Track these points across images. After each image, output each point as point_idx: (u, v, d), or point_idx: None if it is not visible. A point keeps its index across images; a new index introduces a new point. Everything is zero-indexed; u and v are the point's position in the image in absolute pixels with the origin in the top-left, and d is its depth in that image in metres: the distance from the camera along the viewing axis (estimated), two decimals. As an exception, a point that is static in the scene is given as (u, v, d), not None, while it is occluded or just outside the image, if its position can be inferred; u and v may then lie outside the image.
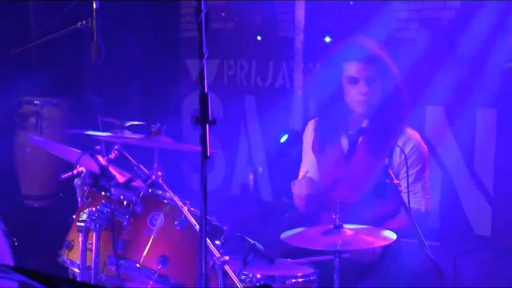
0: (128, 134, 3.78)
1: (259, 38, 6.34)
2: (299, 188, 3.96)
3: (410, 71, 4.39)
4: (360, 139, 4.04)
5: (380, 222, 3.87)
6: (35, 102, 6.57)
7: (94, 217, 3.39)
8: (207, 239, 2.65)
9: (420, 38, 5.39)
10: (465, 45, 5.12)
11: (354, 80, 3.95)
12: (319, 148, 4.16)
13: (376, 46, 4.03)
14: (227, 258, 3.28)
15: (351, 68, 3.95)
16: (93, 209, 3.43)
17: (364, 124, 4.03)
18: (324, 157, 4.14)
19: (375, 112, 3.99)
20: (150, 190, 3.52)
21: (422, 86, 5.07)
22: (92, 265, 3.37)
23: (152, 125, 3.62)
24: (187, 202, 3.46)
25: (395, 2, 5.52)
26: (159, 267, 3.39)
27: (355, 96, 3.96)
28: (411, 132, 4.02)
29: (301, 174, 4.20)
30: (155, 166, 3.59)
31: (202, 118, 2.41)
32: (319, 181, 4.13)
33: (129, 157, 3.66)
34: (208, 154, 2.37)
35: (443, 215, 5.16)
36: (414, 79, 4.23)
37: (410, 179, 3.74)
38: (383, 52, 4.02)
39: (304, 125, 4.35)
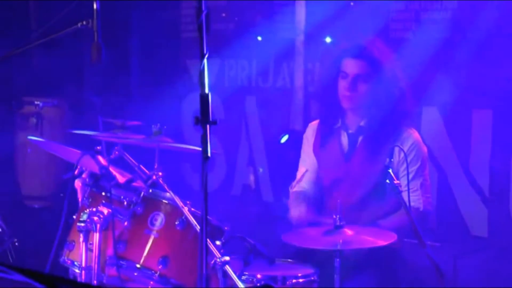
0: (128, 134, 3.78)
1: (259, 38, 6.34)
2: (297, 212, 4.01)
3: (406, 71, 4.38)
4: (360, 138, 4.05)
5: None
6: (36, 102, 6.58)
7: (94, 218, 3.39)
8: (208, 240, 2.65)
9: (417, 38, 5.38)
10: (462, 46, 5.11)
11: (344, 75, 3.99)
12: (320, 148, 4.16)
13: (379, 48, 4.04)
14: (227, 258, 3.28)
15: (345, 64, 4.00)
16: (94, 209, 3.43)
17: (363, 123, 4.05)
18: (324, 157, 4.14)
19: (373, 110, 4.01)
20: (150, 191, 3.52)
21: (418, 86, 5.05)
22: (93, 265, 3.37)
23: (152, 126, 3.63)
24: (188, 202, 3.46)
25: (392, 2, 5.51)
26: (159, 267, 3.39)
27: (341, 90, 4.01)
28: (410, 131, 4.03)
29: (299, 174, 4.21)
30: (155, 166, 3.59)
31: (203, 118, 2.41)
32: (318, 188, 4.14)
33: (129, 157, 3.66)
34: (209, 155, 2.37)
35: (440, 216, 5.16)
36: (410, 79, 4.22)
37: (409, 177, 3.74)
38: (384, 55, 4.02)
39: (305, 125, 4.35)
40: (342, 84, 4.00)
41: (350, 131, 4.08)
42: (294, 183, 4.21)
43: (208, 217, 2.47)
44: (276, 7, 6.29)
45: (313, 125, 4.26)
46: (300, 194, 4.14)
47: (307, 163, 4.21)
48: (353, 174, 4.00)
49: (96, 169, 3.58)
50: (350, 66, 3.98)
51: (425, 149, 4.05)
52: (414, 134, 4.04)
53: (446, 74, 5.17)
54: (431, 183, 4.17)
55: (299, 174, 4.21)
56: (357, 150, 4.04)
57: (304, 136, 4.28)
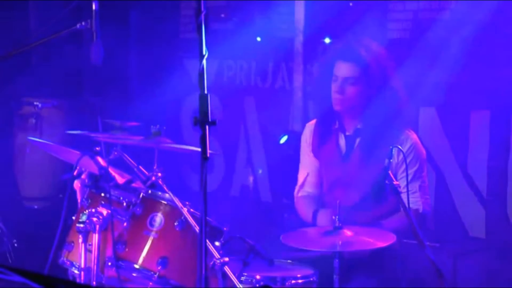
0: (127, 135, 3.78)
1: (258, 39, 6.34)
2: (299, 209, 4.09)
3: (404, 71, 4.39)
4: (358, 140, 4.04)
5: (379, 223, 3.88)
6: (35, 103, 6.58)
7: (93, 219, 3.38)
8: (207, 240, 2.65)
9: (414, 38, 5.38)
10: (459, 46, 5.11)
11: (335, 78, 4.00)
12: (318, 150, 4.16)
13: (369, 49, 4.01)
14: (226, 259, 3.28)
15: (336, 66, 4.00)
16: (93, 210, 3.42)
17: (360, 126, 4.04)
18: (322, 159, 4.14)
19: (369, 113, 4.01)
20: (149, 191, 3.52)
21: (416, 87, 5.06)
22: (92, 266, 3.37)
23: (151, 126, 3.63)
24: (187, 203, 3.46)
25: (391, 3, 5.52)
26: (158, 268, 3.38)
27: (332, 93, 4.01)
28: (408, 133, 4.03)
29: (301, 177, 4.20)
30: (154, 167, 3.59)
31: (202, 119, 2.41)
32: (319, 185, 4.15)
33: (128, 158, 3.66)
34: (208, 155, 2.37)
35: (438, 217, 5.16)
36: (407, 80, 4.23)
37: (408, 178, 3.74)
38: (375, 56, 4.00)
39: (304, 126, 4.35)
40: (333, 87, 4.01)
41: (347, 133, 4.08)
42: (297, 188, 4.21)
43: (207, 217, 2.46)
44: (275, 8, 6.29)
45: (310, 125, 4.25)
46: (306, 198, 4.15)
47: (307, 166, 4.20)
48: (351, 175, 4.00)
49: (95, 170, 3.57)
50: (340, 69, 3.99)
51: (423, 151, 4.05)
52: (412, 136, 4.03)
53: (444, 74, 5.17)
54: (429, 184, 4.17)
55: (300, 178, 4.21)
56: (354, 152, 4.04)
57: (302, 137, 4.28)
